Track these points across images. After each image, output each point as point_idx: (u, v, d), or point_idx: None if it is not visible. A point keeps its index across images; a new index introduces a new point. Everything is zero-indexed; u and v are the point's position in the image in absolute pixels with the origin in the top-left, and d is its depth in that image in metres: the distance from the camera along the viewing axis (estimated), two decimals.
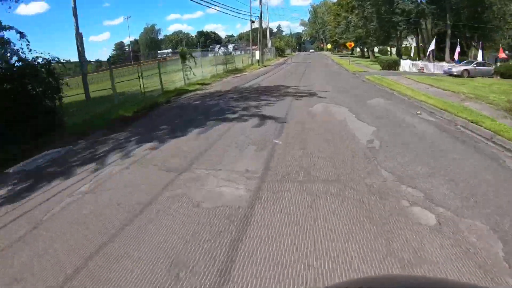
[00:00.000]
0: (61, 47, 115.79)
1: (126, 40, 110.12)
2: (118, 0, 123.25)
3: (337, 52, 74.59)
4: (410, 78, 16.74)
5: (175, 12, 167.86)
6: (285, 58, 48.20)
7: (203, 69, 20.77)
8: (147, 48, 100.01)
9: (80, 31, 12.29)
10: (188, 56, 17.53)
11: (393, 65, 23.30)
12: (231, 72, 24.34)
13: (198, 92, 14.49)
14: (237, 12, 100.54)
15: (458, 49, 24.84)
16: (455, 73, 20.21)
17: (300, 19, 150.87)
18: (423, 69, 22.96)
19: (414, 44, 35.73)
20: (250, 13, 30.48)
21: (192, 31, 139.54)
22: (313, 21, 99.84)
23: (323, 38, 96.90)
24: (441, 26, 29.71)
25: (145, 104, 11.12)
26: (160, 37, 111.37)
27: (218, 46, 58.11)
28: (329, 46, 61.95)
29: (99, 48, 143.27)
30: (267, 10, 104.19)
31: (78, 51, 12.59)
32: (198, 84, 17.43)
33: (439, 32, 30.17)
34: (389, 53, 55.99)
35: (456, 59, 24.17)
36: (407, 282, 0.65)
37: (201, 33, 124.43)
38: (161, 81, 14.86)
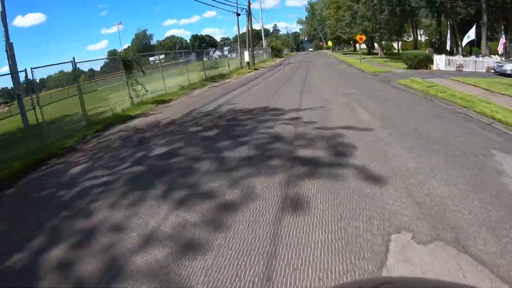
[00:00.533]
0: None
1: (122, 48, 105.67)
2: (115, 8, 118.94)
3: (338, 50, 68.95)
4: (464, 82, 11.10)
5: (171, 17, 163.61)
6: (282, 59, 42.61)
7: (168, 80, 15.19)
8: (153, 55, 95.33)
9: (10, 41, 10.38)
10: (137, 63, 11.94)
11: (423, 63, 17.61)
12: (212, 80, 18.77)
13: (135, 122, 8.86)
14: (223, 4, 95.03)
15: (503, 40, 19.15)
16: (510, 72, 14.56)
17: (297, 18, 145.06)
18: (462, 67, 17.31)
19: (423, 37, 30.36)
20: (237, 3, 24.89)
21: (189, 36, 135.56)
22: (311, 18, 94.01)
23: (321, 36, 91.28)
24: (465, 12, 23.99)
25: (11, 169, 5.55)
26: (153, 42, 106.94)
27: (213, 49, 52.85)
28: (329, 43, 56.25)
29: (96, 56, 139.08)
30: (260, 5, 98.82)
31: (9, 64, 10.42)
32: (154, 102, 11.86)
33: (464, 19, 24.43)
34: (395, 49, 50.55)
35: (503, 51, 18.46)
36: (416, 284, 0.65)
37: (195, 37, 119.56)
38: (83, 107, 9.22)
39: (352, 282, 1.45)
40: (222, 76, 20.86)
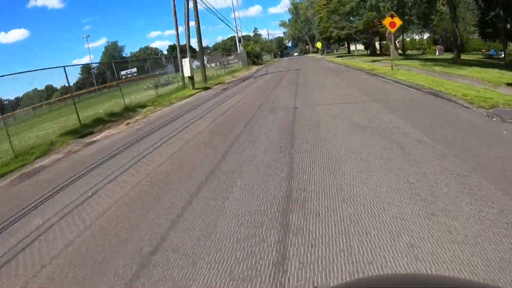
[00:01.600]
0: None
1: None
2: (98, 23, 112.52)
3: (327, 53, 59.49)
4: None
5: (155, 29, 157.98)
6: (260, 67, 32.69)
7: None
8: (109, 69, 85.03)
9: None
10: None
11: None
12: (78, 135, 8.40)
13: None
14: None
15: None
16: None
17: (279, 20, 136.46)
18: None
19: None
20: None
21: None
22: (295, 20, 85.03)
23: (307, 39, 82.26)
24: None
25: None
26: (126, 54, 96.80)
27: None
28: (318, 45, 46.65)
29: (79, 71, 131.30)
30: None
31: None
32: None
33: None
34: (397, 48, 41.28)
35: None
36: (420, 281, 0.65)
37: (173, 47, 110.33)
38: None
39: (353, 281, 1.29)
40: (123, 115, 10.45)
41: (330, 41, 49.91)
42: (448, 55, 30.13)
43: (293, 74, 16.24)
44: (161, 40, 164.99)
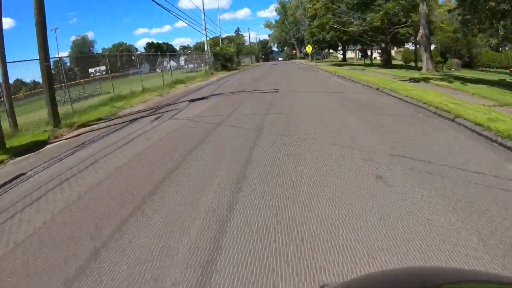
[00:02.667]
0: None
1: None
2: (85, 16, 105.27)
3: (317, 59, 50.63)
4: None
5: (143, 26, 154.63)
6: (227, 74, 23.15)
7: None
8: (77, 65, 73.13)
9: None
10: None
11: None
12: None
13: None
14: None
15: None
16: None
17: (265, 20, 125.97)
18: None
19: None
20: None
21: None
22: (282, 22, 76.14)
23: (294, 42, 73.59)
24: None
25: None
26: (97, 50, 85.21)
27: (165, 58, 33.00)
28: (308, 49, 37.50)
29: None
30: None
31: None
32: None
33: None
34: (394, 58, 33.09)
35: None
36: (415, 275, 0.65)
37: (150, 45, 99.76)
38: None
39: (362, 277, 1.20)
40: None
41: (323, 46, 41.04)
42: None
43: (268, 91, 7.08)
44: (148, 38, 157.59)
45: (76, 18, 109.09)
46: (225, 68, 31.10)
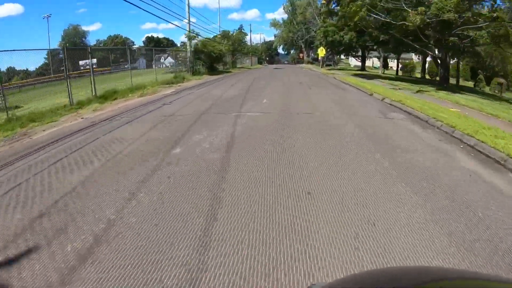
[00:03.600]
0: None
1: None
2: (92, 7, 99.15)
3: (327, 65, 42.81)
4: None
5: (151, 21, 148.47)
6: (204, 81, 15.67)
7: None
8: (69, 57, 65.74)
9: None
10: None
11: None
12: None
13: None
14: None
15: None
16: None
17: (271, 19, 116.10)
18: None
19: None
20: None
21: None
22: (289, 21, 68.32)
23: (302, 45, 65.88)
24: None
25: None
26: (91, 41, 78.00)
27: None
28: (321, 52, 29.57)
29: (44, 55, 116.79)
30: None
31: None
32: None
33: None
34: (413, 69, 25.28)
35: None
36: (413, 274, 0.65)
37: (150, 39, 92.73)
38: None
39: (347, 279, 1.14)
40: None
41: (337, 49, 33.12)
42: None
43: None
44: (155, 32, 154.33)
45: (85, 8, 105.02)
46: (212, 70, 23.50)
